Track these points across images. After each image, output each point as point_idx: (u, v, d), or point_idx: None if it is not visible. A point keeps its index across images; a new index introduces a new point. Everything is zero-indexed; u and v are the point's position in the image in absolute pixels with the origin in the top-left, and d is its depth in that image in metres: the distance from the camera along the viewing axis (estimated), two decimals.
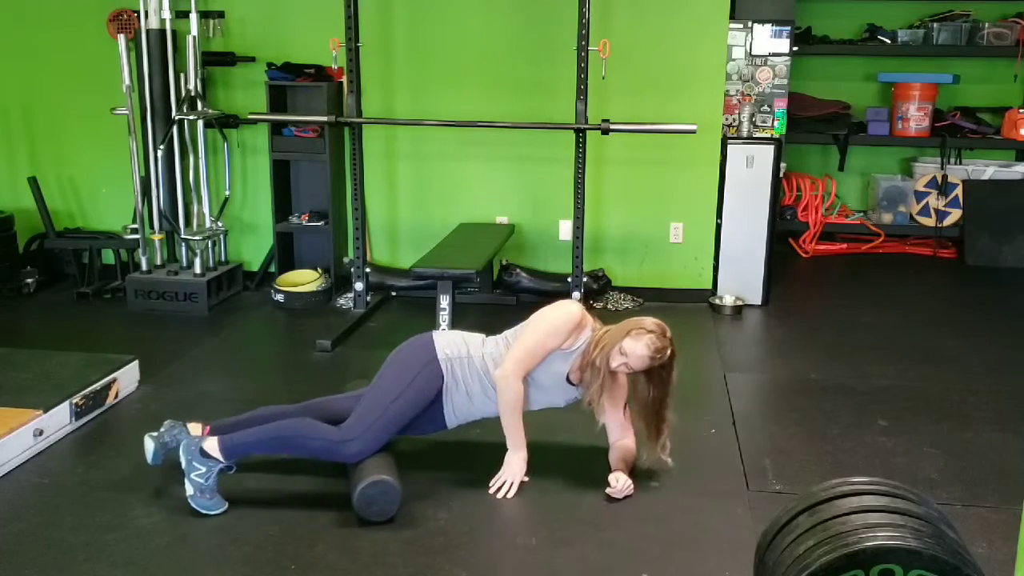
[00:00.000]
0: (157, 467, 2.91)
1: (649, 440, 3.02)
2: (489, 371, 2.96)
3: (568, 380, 3.01)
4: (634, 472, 3.00)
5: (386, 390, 2.94)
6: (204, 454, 2.79)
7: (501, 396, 2.94)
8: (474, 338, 3.07)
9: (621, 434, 3.07)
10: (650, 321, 2.93)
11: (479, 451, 3.17)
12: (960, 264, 6.30)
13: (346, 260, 5.28)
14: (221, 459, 2.80)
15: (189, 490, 2.78)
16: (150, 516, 2.78)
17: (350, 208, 5.02)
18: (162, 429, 2.94)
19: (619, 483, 2.91)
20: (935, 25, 6.26)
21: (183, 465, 2.80)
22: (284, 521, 2.77)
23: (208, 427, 3.01)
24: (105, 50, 5.20)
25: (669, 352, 2.90)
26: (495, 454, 3.03)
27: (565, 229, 5.23)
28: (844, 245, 6.57)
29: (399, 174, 5.38)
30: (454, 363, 2.97)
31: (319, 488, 2.99)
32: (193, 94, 4.91)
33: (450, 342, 3.02)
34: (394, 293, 5.26)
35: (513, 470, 2.98)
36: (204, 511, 2.77)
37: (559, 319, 2.95)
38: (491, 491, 2.95)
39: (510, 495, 2.93)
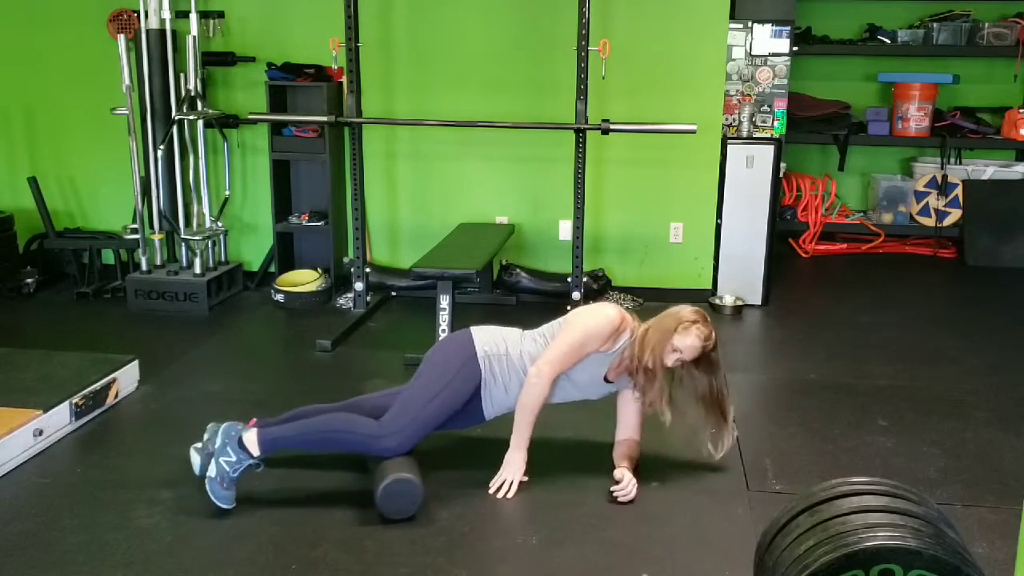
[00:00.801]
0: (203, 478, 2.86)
1: (717, 428, 3.02)
2: (527, 368, 2.97)
3: (605, 379, 3.02)
4: (638, 469, 3.00)
5: (425, 387, 2.95)
6: (241, 445, 2.80)
7: (527, 391, 2.95)
8: (512, 335, 3.08)
9: (633, 432, 3.08)
10: (688, 310, 2.95)
11: (479, 450, 3.18)
12: (960, 264, 6.30)
13: (346, 260, 5.28)
14: (256, 453, 2.81)
15: (212, 472, 2.78)
16: (151, 516, 2.78)
17: (350, 208, 5.02)
18: (205, 438, 2.91)
19: (625, 481, 2.91)
20: (935, 25, 6.26)
21: (217, 445, 2.80)
22: (286, 521, 2.77)
23: (254, 420, 2.99)
24: (105, 50, 5.20)
25: (714, 335, 2.94)
26: (496, 453, 3.03)
27: (565, 229, 5.23)
28: (844, 245, 6.57)
29: (399, 174, 5.39)
30: (492, 360, 2.99)
31: (320, 487, 2.99)
32: (193, 94, 4.91)
33: (489, 340, 3.03)
34: (394, 293, 5.26)
35: (513, 469, 2.98)
36: (214, 499, 2.76)
37: (598, 324, 2.95)
38: (491, 491, 2.95)
39: (510, 495, 2.93)
